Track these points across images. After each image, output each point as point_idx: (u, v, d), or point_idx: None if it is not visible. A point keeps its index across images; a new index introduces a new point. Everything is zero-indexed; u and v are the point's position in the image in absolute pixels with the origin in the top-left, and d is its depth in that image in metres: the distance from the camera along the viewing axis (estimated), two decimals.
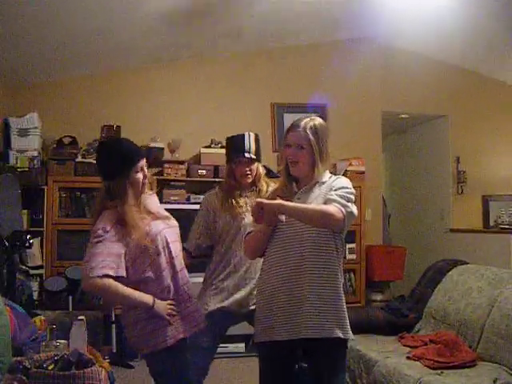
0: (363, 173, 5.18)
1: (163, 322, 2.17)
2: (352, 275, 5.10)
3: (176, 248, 2.29)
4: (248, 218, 2.55)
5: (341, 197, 2.10)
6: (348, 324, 2.16)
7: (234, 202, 2.70)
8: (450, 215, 5.90)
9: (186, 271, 2.34)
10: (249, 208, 2.61)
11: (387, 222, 6.10)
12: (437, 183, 6.13)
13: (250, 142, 2.71)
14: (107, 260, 2.06)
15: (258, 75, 5.39)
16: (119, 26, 4.19)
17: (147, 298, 2.14)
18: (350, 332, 2.16)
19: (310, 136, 2.16)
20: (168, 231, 2.26)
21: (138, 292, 2.13)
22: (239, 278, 2.69)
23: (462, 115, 5.88)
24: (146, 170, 2.23)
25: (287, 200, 2.14)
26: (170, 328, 2.18)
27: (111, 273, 2.05)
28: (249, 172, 2.71)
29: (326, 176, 2.24)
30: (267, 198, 2.18)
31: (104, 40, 4.39)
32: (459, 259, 3.93)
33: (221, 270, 2.71)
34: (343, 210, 2.06)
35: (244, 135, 2.73)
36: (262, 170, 2.78)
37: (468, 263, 3.75)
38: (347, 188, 2.17)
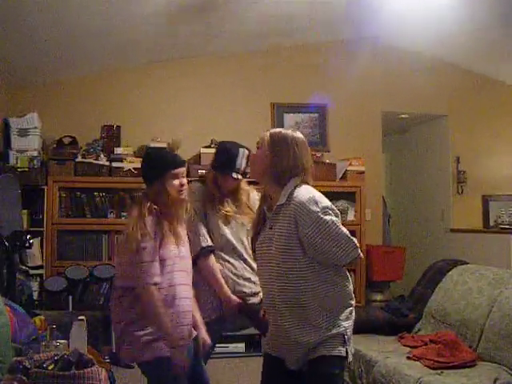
0: (363, 173, 5.18)
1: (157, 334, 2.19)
2: (352, 275, 5.09)
3: (185, 263, 2.34)
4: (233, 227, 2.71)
5: (340, 242, 1.97)
6: (349, 338, 2.05)
7: (218, 205, 2.73)
8: (449, 215, 5.90)
9: (189, 288, 2.36)
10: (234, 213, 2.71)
11: (387, 222, 6.10)
12: (437, 183, 6.12)
13: (241, 161, 2.70)
14: (156, 267, 2.17)
15: (258, 75, 5.38)
16: (119, 26, 4.19)
17: (172, 330, 2.19)
18: (343, 347, 2.02)
19: (268, 137, 2.10)
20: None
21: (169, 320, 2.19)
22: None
23: (462, 115, 5.87)
24: (183, 180, 2.32)
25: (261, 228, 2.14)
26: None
27: (158, 280, 2.17)
28: (231, 188, 2.75)
29: (284, 197, 2.03)
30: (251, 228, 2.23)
31: (104, 40, 4.39)
32: (459, 259, 3.93)
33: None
34: (357, 253, 2.00)
35: (238, 152, 2.71)
36: (243, 184, 2.81)
37: (468, 263, 3.75)
38: (329, 224, 1.96)
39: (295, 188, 2.03)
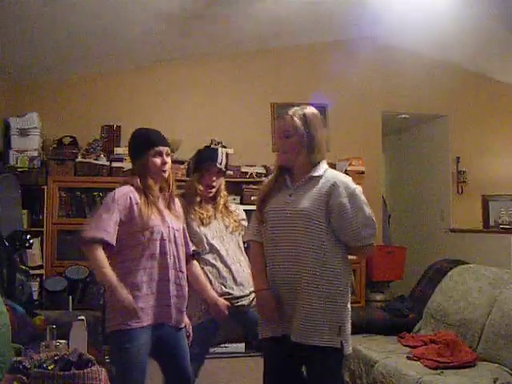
0: (363, 173, 5.18)
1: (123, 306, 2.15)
2: (352, 275, 5.09)
3: (172, 248, 2.31)
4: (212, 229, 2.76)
5: (367, 225, 2.11)
6: (345, 330, 2.08)
7: (197, 209, 2.78)
8: (450, 215, 5.90)
9: (181, 275, 2.34)
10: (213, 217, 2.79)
11: (387, 222, 6.10)
12: (437, 183, 6.12)
13: (222, 156, 2.87)
14: (108, 225, 2.14)
15: (258, 75, 5.38)
16: (119, 26, 4.19)
17: (120, 292, 2.13)
18: (346, 342, 2.07)
19: (297, 122, 2.11)
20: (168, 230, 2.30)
21: (116, 280, 2.13)
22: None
23: (462, 115, 5.87)
24: (165, 158, 2.36)
25: (275, 194, 2.17)
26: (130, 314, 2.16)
27: (106, 237, 2.12)
28: (214, 184, 2.82)
29: (321, 169, 2.15)
30: (259, 192, 2.26)
31: (104, 40, 4.39)
32: (459, 259, 3.93)
33: None
34: (373, 239, 2.12)
35: (218, 149, 2.98)
36: (223, 186, 2.90)
37: (468, 263, 3.74)
38: (355, 197, 2.11)
39: (328, 167, 2.18)
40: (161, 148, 2.36)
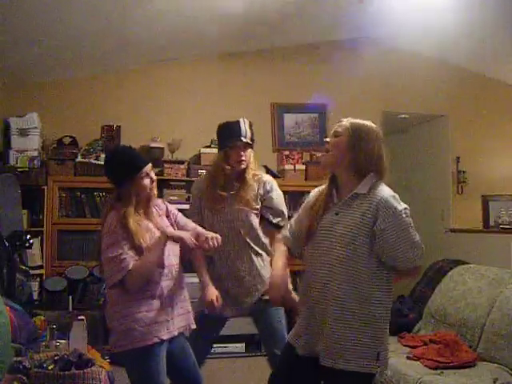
0: None
1: (137, 322, 2.15)
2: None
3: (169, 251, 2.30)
4: (226, 215, 2.63)
5: (412, 246, 1.96)
6: (380, 357, 1.97)
7: (219, 194, 2.66)
8: (450, 215, 5.90)
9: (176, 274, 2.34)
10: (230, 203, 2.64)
11: None
12: (437, 183, 6.12)
13: (245, 128, 2.69)
14: (127, 255, 2.14)
15: (258, 75, 5.38)
16: (119, 26, 4.19)
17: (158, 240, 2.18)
18: (377, 365, 1.96)
19: (349, 126, 2.05)
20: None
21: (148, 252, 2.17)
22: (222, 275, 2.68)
23: (462, 115, 5.87)
24: (152, 175, 2.30)
25: (324, 209, 2.05)
26: (142, 331, 2.16)
27: (131, 266, 2.13)
28: (243, 158, 2.67)
29: (366, 187, 2.01)
30: (310, 205, 2.13)
31: (104, 40, 4.39)
32: (459, 259, 3.94)
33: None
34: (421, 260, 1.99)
35: (239, 121, 2.69)
36: (253, 159, 2.76)
37: (468, 263, 3.75)
38: (402, 220, 1.96)
39: (376, 182, 2.03)
40: (146, 168, 2.28)
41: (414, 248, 1.96)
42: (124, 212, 2.21)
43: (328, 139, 2.11)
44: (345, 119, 2.10)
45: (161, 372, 2.20)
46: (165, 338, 2.21)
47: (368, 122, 2.11)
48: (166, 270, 2.27)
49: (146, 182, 2.27)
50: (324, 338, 1.98)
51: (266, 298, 2.45)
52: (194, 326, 2.41)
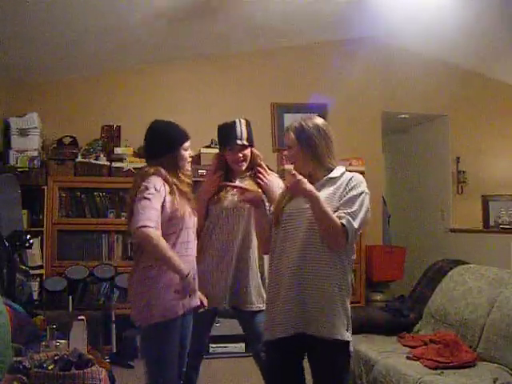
0: (363, 173, 5.15)
1: (165, 295, 2.21)
2: (352, 275, 5.09)
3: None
4: (227, 201, 2.69)
5: (350, 215, 2.07)
6: (349, 325, 2.14)
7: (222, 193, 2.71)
8: (450, 215, 5.90)
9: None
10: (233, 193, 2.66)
11: (387, 222, 6.09)
12: (437, 183, 6.12)
13: (241, 129, 2.70)
14: (153, 214, 2.17)
15: (258, 75, 5.38)
16: (119, 26, 4.19)
17: (184, 267, 2.22)
18: (348, 333, 2.13)
19: (293, 136, 2.21)
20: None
21: (177, 257, 2.21)
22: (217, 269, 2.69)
23: (462, 115, 5.87)
24: (190, 152, 2.44)
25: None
26: (169, 303, 2.22)
27: (152, 225, 2.14)
28: (242, 158, 2.70)
29: (338, 171, 2.22)
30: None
31: (104, 40, 4.39)
32: (459, 259, 3.93)
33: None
34: (349, 232, 2.06)
35: (235, 122, 2.71)
36: (258, 154, 2.79)
37: (468, 263, 3.74)
38: (359, 195, 2.13)
39: (345, 170, 2.24)
40: (188, 142, 2.43)
41: (356, 216, 2.09)
42: (173, 179, 2.31)
43: (286, 153, 2.33)
44: (290, 126, 2.26)
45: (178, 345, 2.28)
46: (182, 312, 2.27)
47: (310, 119, 2.23)
48: (191, 245, 2.35)
49: (186, 153, 2.41)
50: (307, 311, 2.10)
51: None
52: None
